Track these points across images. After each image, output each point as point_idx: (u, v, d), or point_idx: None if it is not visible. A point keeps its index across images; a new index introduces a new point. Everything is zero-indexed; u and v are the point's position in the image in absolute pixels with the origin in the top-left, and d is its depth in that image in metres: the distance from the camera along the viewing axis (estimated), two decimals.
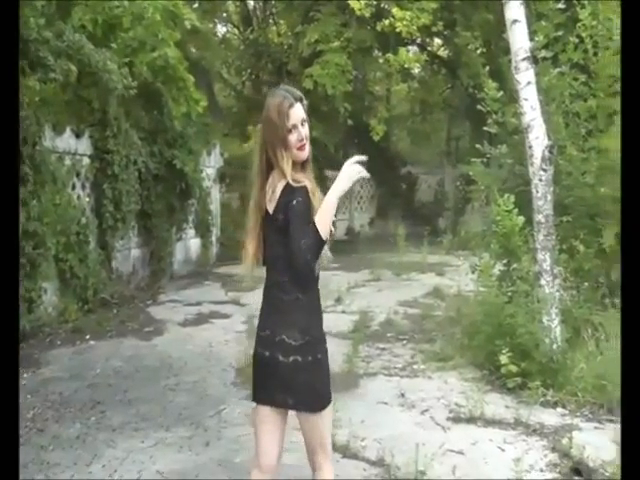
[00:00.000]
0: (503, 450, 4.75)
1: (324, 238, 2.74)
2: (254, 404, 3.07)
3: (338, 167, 3.14)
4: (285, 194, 2.82)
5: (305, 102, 2.96)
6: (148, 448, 4.80)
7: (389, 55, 17.80)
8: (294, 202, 2.78)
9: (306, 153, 2.93)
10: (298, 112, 2.89)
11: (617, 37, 7.01)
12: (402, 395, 5.87)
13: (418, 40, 20.73)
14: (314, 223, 2.74)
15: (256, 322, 3.03)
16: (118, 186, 10.02)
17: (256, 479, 3.09)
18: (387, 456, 4.52)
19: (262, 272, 3.06)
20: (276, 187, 2.86)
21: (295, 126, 2.87)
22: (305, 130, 2.90)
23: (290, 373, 2.86)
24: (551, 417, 5.34)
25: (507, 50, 6.86)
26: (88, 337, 7.94)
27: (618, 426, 4.97)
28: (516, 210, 6.43)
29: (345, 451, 4.62)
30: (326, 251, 2.94)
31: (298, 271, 2.79)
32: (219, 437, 5.02)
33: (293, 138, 2.87)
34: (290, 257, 2.76)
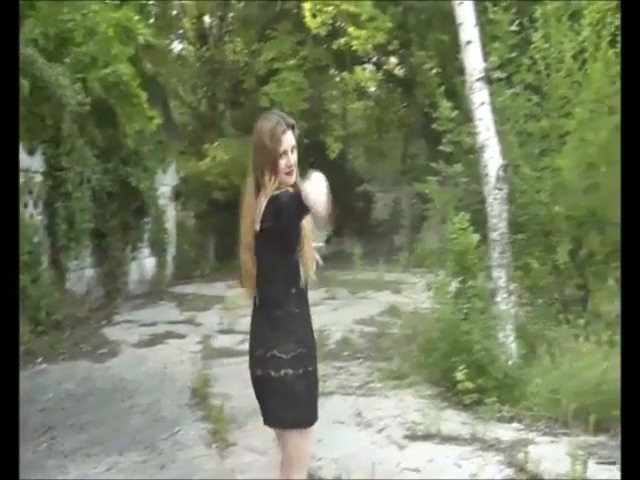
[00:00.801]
0: (460, 466, 4.73)
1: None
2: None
3: None
4: (269, 204, 2.88)
5: (297, 130, 3.00)
6: (101, 474, 4.67)
7: (345, 73, 17.96)
8: (277, 195, 2.86)
9: (293, 178, 2.97)
10: (290, 138, 2.95)
11: (568, 59, 7.17)
12: (359, 414, 5.82)
13: (374, 59, 20.95)
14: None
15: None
16: (72, 204, 9.85)
17: None
18: (344, 475, 4.47)
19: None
20: (262, 205, 2.90)
21: (285, 152, 2.93)
22: (294, 156, 2.96)
23: (281, 387, 2.90)
24: (507, 432, 5.35)
25: (462, 70, 6.96)
26: (40, 360, 7.74)
27: (573, 439, 5.04)
28: (472, 228, 6.49)
29: None
30: (312, 272, 3.10)
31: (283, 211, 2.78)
32: (174, 460, 4.90)
33: (282, 163, 2.91)
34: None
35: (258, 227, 2.91)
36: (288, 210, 2.80)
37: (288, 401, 2.92)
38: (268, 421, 3.04)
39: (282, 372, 2.89)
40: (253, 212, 2.94)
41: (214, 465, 4.80)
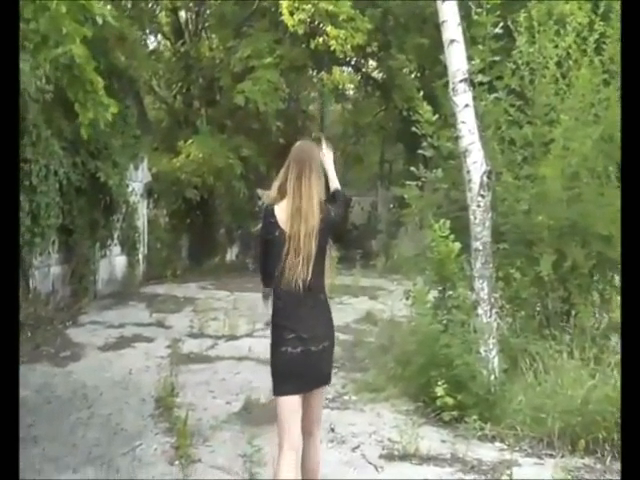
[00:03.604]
0: None
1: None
2: (279, 398, 3.65)
3: (269, 187, 3.76)
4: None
5: None
6: None
7: (323, 74, 17.68)
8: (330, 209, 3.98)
9: None
10: None
11: (552, 65, 6.96)
12: (332, 430, 5.54)
13: (352, 61, 20.70)
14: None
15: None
16: (36, 198, 9.39)
17: (290, 458, 3.61)
18: None
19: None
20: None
21: None
22: None
23: (321, 357, 3.65)
24: (489, 452, 5.13)
25: (442, 74, 6.71)
26: None
27: (558, 461, 4.82)
28: (452, 236, 6.23)
29: None
30: None
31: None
32: (132, 478, 4.58)
33: None
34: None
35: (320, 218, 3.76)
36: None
37: (325, 366, 3.75)
38: (303, 389, 3.69)
39: (320, 346, 3.63)
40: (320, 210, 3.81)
41: None
